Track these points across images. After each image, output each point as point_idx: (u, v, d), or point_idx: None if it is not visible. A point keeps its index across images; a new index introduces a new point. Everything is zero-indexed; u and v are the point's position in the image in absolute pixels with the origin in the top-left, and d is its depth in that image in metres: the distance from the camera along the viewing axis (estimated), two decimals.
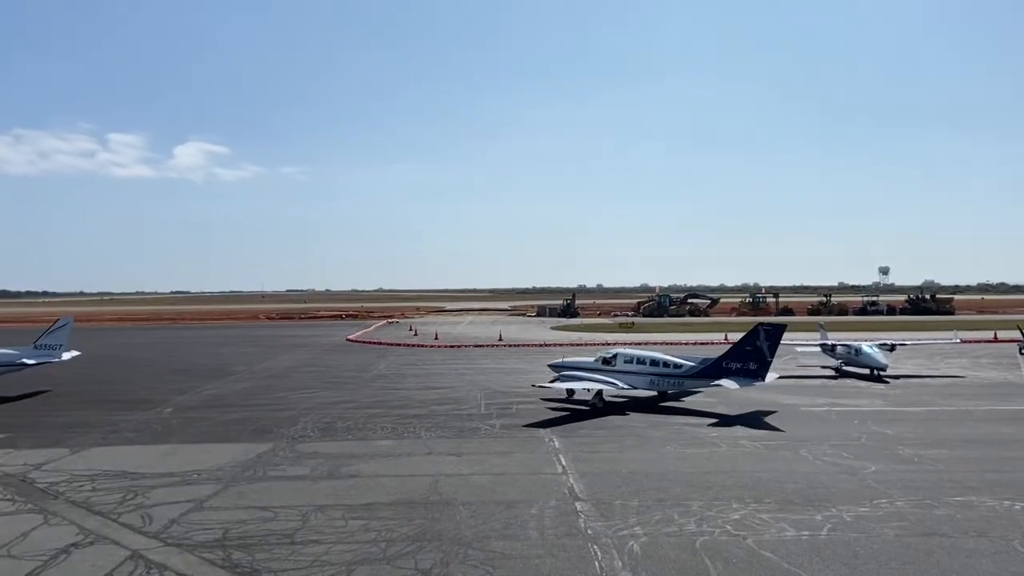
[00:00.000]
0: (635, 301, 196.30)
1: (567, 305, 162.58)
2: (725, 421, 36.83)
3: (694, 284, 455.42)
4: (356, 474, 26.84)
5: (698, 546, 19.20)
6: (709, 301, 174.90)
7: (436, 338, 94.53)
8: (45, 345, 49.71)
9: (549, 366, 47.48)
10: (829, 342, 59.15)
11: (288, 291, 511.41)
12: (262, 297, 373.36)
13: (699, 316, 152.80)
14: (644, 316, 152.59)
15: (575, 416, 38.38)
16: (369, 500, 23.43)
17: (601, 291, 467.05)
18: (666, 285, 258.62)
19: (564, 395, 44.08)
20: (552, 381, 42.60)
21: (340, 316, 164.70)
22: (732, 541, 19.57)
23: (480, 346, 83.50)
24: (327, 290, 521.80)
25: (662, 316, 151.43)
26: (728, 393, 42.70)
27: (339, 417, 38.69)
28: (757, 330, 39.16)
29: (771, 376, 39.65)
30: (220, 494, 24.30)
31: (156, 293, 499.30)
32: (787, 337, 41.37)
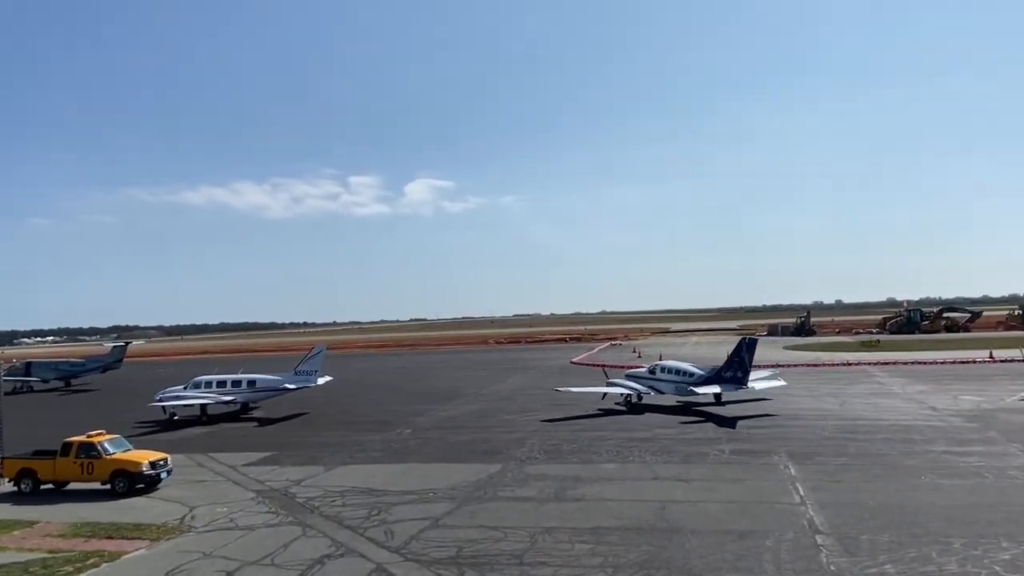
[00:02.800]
0: (880, 317, 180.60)
1: (801, 323, 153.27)
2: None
3: (950, 297, 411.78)
4: (582, 497, 26.88)
5: None
6: (969, 315, 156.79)
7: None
8: (303, 371, 55.12)
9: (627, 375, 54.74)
10: None
11: (514, 315, 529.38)
12: (491, 322, 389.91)
13: (957, 332, 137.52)
14: (891, 333, 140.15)
15: (801, 439, 35.94)
16: (595, 524, 23.32)
17: (840, 307, 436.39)
18: (916, 299, 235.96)
19: (597, 397, 51.83)
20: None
21: (564, 339, 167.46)
22: None
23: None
24: (551, 314, 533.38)
25: (912, 332, 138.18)
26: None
27: (564, 439, 39.09)
28: (741, 344, 48.66)
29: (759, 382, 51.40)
30: (454, 513, 25.36)
31: (397, 321, 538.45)
32: None
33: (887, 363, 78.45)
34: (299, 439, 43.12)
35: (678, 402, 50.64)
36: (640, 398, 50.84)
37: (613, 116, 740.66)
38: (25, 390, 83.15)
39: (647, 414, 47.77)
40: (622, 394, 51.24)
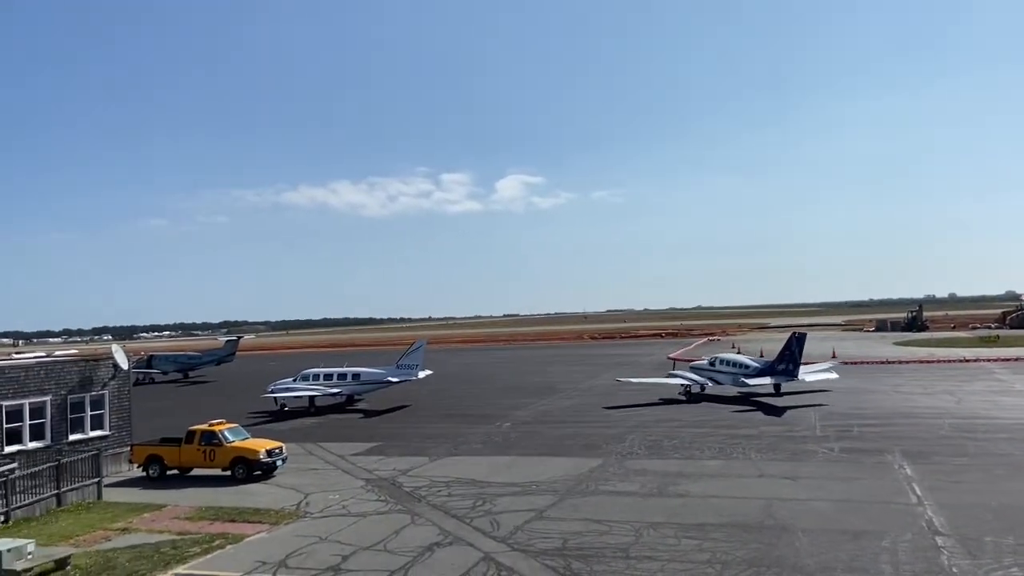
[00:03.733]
0: (999, 311, 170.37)
1: (912, 318, 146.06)
2: None
3: None
4: (685, 493, 26.66)
5: None
6: None
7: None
8: (405, 365, 56.60)
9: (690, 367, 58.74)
10: None
11: (608, 311, 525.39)
12: (584, 318, 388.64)
13: None
14: (1011, 328, 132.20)
15: (916, 438, 34.47)
16: (700, 520, 23.11)
17: (954, 301, 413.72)
18: None
19: (665, 388, 55.59)
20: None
21: (659, 335, 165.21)
22: None
23: (810, 363, 78.31)
24: (645, 309, 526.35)
25: None
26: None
27: (665, 435, 38.79)
28: (791, 339, 52.02)
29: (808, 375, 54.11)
30: (557, 505, 25.63)
31: (491, 316, 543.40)
32: None
33: (1008, 359, 74.14)
34: (403, 431, 44.33)
35: (737, 393, 53.40)
36: (703, 389, 54.20)
37: (708, 105, 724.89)
38: (147, 381, 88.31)
39: (704, 404, 50.91)
40: (682, 384, 54.73)
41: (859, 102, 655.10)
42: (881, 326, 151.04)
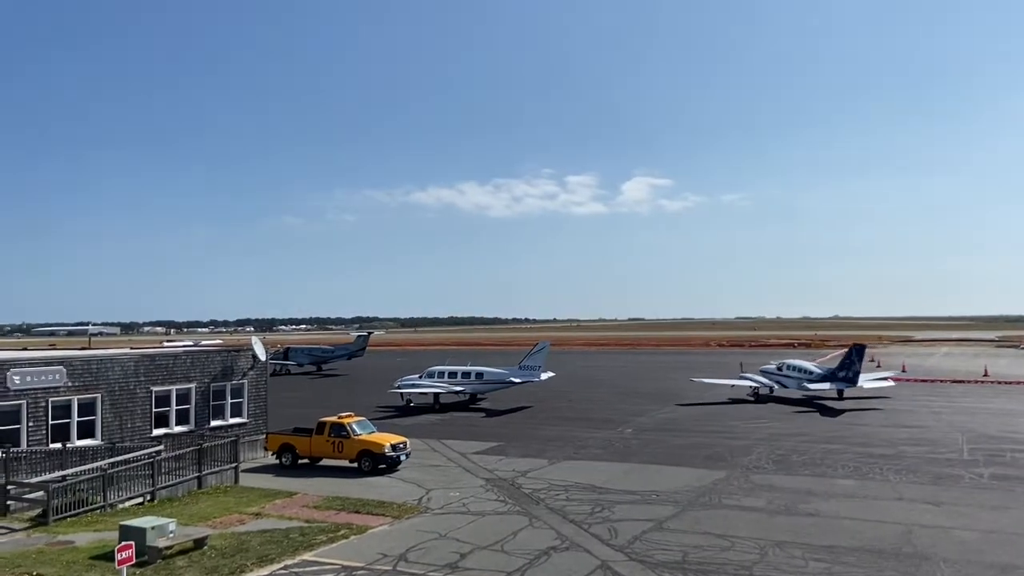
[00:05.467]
0: None
1: None
2: None
3: None
4: (815, 512, 25.35)
5: None
6: None
7: (903, 370, 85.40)
8: (527, 366, 56.86)
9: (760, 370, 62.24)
10: None
11: (737, 318, 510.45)
12: (712, 324, 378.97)
13: None
14: None
15: None
16: (831, 542, 21.89)
17: None
18: None
19: (734, 389, 60.76)
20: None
21: (792, 344, 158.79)
22: None
23: (960, 382, 73.07)
24: (777, 317, 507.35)
25: None
26: None
27: (793, 450, 37.09)
28: (851, 349, 56.68)
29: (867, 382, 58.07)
30: (678, 517, 24.94)
31: (615, 320, 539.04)
32: None
33: None
34: (523, 432, 44.51)
35: (802, 396, 58.03)
36: (771, 391, 59.56)
37: (847, 103, 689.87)
38: (283, 372, 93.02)
39: (769, 404, 56.19)
40: (751, 386, 59.76)
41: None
42: None
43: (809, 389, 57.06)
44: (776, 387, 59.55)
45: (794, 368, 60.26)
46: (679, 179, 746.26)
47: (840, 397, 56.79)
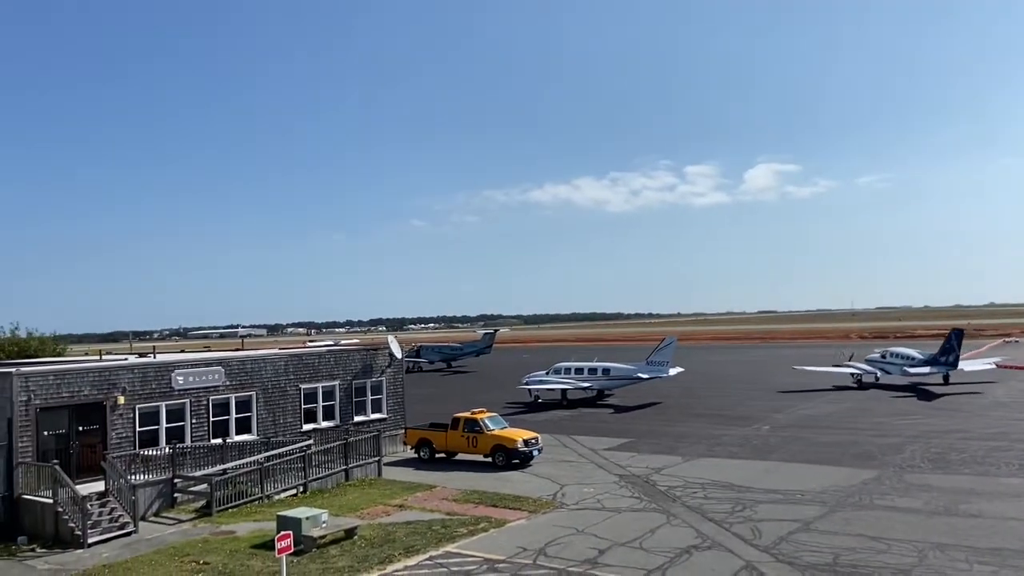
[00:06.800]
0: None
1: None
2: None
3: None
4: (979, 513, 23.69)
5: None
6: None
7: None
8: (655, 362, 56.00)
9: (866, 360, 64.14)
10: None
11: (878, 308, 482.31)
12: (852, 315, 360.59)
13: None
14: None
15: None
16: (997, 544, 20.43)
17: None
18: None
19: (837, 377, 63.67)
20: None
21: (942, 334, 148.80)
22: None
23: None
24: (925, 306, 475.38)
25: None
26: None
27: (951, 448, 34.78)
28: (951, 334, 59.35)
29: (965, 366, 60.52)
30: (826, 517, 23.91)
31: (744, 313, 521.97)
32: None
33: None
34: (654, 428, 43.92)
35: (907, 383, 60.48)
36: (877, 379, 61.74)
37: (993, 77, 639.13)
38: (416, 369, 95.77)
39: (872, 390, 58.77)
40: (853, 374, 62.08)
41: None
42: None
43: (911, 374, 59.79)
44: (880, 374, 61.76)
45: (897, 355, 62.78)
46: (808, 163, 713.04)
47: (946, 382, 59.25)
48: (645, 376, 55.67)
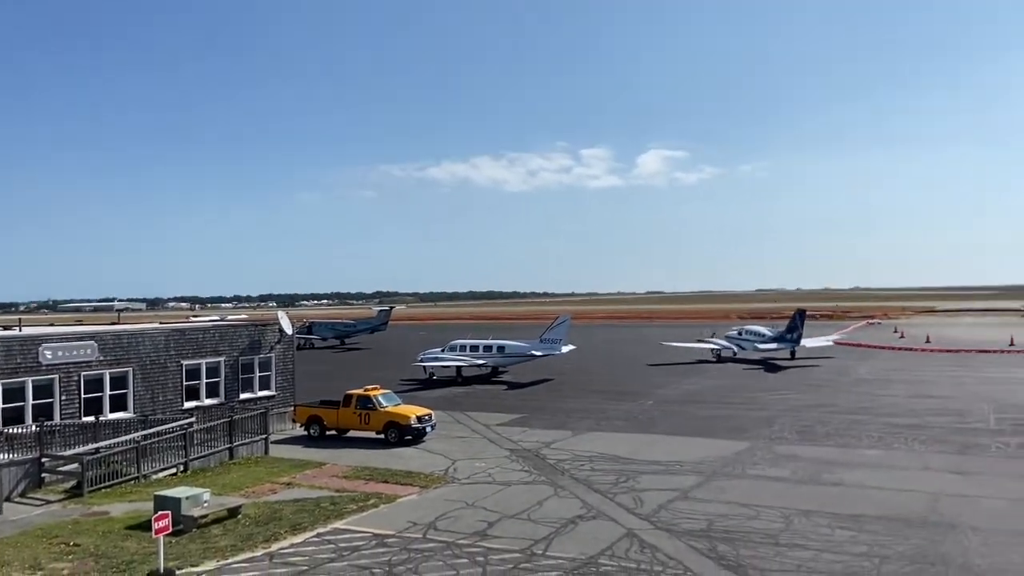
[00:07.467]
0: None
1: None
2: None
3: None
4: (840, 482, 25.43)
5: None
6: None
7: (928, 341, 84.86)
8: (548, 339, 57.06)
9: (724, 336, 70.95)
10: None
11: (757, 290, 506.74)
12: (732, 297, 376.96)
13: None
14: None
15: None
16: (857, 511, 21.98)
17: None
18: None
19: (698, 352, 70.03)
20: None
21: (813, 316, 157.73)
22: None
23: (985, 352, 72.42)
24: (798, 288, 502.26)
25: None
26: None
27: (817, 421, 37.11)
28: (795, 314, 66.69)
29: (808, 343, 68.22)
30: (702, 486, 25.12)
31: (633, 293, 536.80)
32: None
33: None
34: (546, 404, 44.79)
35: (759, 357, 66.36)
36: (734, 354, 67.39)
37: (864, 73, 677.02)
38: (307, 346, 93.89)
39: (727, 364, 64.91)
40: (712, 350, 67.59)
41: None
42: None
43: (761, 350, 66.71)
44: (736, 349, 67.96)
45: (750, 332, 69.96)
46: (695, 151, 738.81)
47: (792, 357, 66.16)
48: (539, 353, 56.61)
